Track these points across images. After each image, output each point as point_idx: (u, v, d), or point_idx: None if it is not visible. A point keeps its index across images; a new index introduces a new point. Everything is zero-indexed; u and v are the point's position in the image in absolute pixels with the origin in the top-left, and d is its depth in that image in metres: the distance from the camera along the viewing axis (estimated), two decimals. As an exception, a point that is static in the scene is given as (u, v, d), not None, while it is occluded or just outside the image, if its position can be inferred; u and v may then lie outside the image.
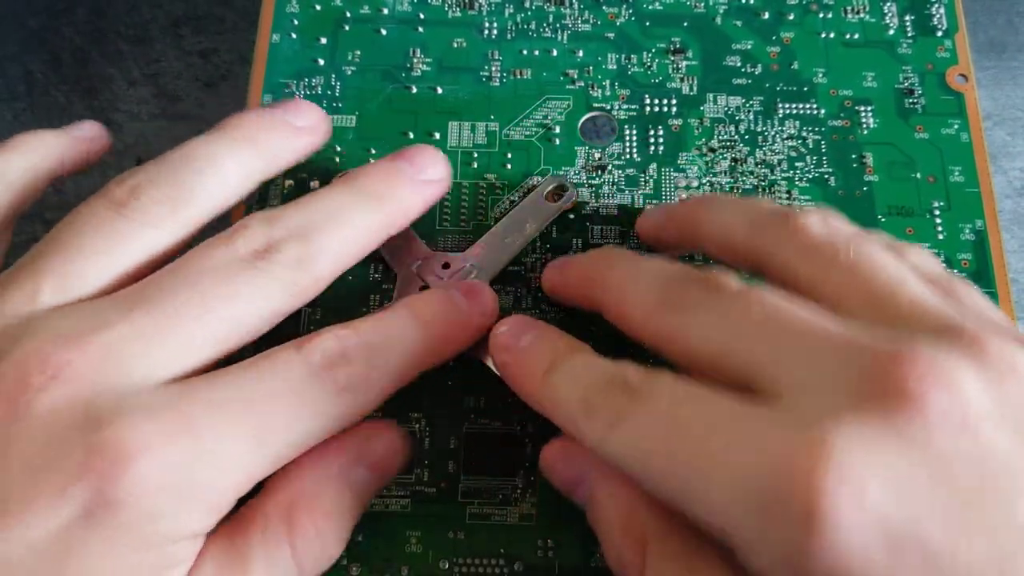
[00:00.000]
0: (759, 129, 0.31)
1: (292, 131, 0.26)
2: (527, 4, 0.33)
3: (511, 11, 0.33)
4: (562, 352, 0.23)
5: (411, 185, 0.26)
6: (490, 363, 0.25)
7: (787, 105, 0.31)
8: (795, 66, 0.32)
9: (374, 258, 0.29)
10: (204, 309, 0.21)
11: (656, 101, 0.31)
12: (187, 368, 0.21)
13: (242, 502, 0.21)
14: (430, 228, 0.29)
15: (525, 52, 0.32)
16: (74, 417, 0.19)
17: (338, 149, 0.30)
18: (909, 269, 0.21)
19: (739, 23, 0.33)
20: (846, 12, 0.33)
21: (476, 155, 0.30)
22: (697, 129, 0.31)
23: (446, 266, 0.28)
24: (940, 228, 0.29)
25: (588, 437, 0.21)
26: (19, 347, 0.19)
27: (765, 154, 0.30)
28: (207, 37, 0.34)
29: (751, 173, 0.30)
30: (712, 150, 0.31)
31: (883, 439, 0.17)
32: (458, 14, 0.33)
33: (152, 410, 0.19)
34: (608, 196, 0.30)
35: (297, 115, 0.27)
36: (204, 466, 0.19)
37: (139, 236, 0.22)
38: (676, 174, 0.30)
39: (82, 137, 0.27)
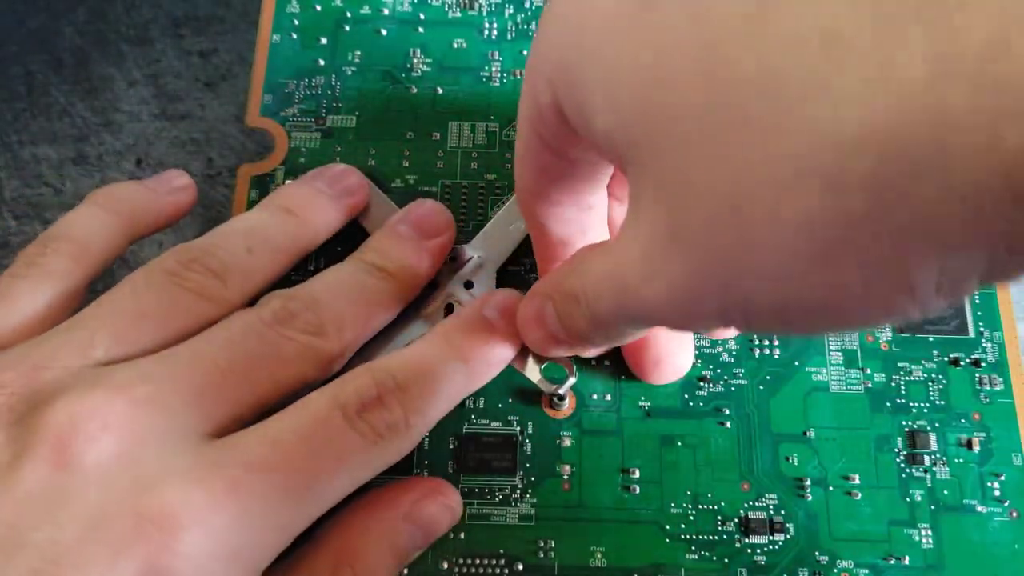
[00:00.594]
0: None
1: (334, 204, 0.27)
2: (527, 4, 0.33)
3: (511, 11, 0.33)
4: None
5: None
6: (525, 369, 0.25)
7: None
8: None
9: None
10: (249, 368, 0.22)
11: (656, 101, 0.31)
12: (230, 423, 0.21)
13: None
14: (430, 228, 0.29)
15: (525, 52, 0.32)
16: (123, 474, 0.19)
17: (338, 149, 0.30)
18: None
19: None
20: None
21: (476, 155, 0.30)
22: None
23: (452, 259, 0.28)
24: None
25: None
26: (70, 397, 0.20)
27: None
28: (207, 38, 0.34)
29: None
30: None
31: None
32: (458, 14, 0.33)
33: (198, 474, 0.19)
34: (608, 196, 0.30)
35: (335, 183, 0.28)
36: (248, 529, 0.19)
37: (194, 306, 0.23)
38: (676, 174, 0.30)
39: (168, 192, 0.27)
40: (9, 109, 0.33)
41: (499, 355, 0.24)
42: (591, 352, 0.26)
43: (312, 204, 0.27)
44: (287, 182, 0.29)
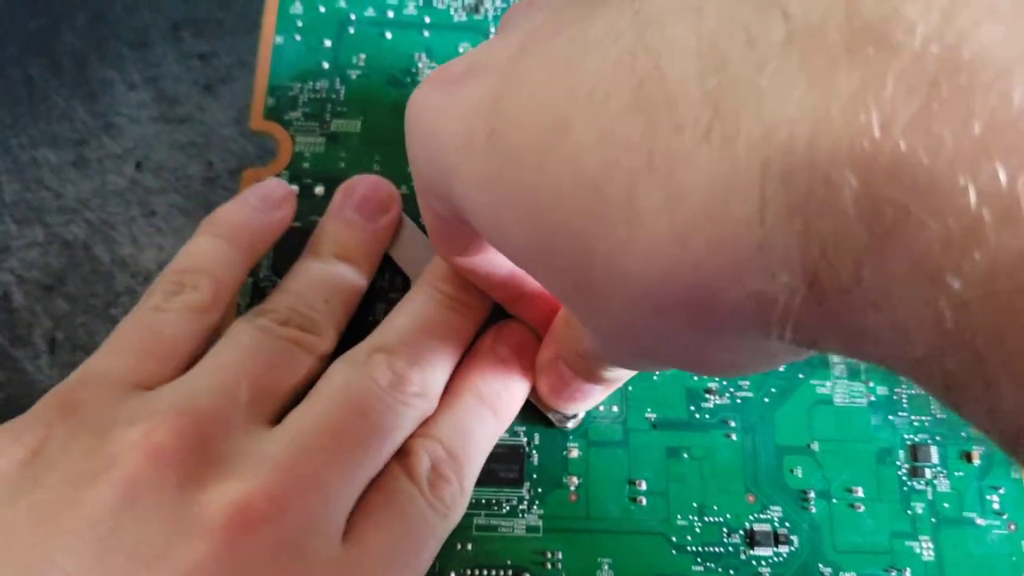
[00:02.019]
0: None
1: (373, 233, 0.28)
2: (532, 9, 0.33)
3: (516, 16, 0.32)
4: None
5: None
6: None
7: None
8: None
9: (382, 266, 0.29)
10: (382, 441, 0.23)
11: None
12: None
13: None
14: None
15: (530, 58, 0.32)
16: (291, 563, 0.20)
17: (343, 154, 0.30)
18: None
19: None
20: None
21: (481, 163, 0.30)
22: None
23: None
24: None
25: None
26: (241, 479, 0.20)
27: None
28: (207, 41, 0.34)
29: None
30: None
31: None
32: (464, 18, 0.32)
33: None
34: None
35: (366, 206, 0.28)
36: None
37: (298, 361, 0.24)
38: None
39: (275, 208, 0.28)
40: (9, 112, 0.33)
41: (520, 396, 0.26)
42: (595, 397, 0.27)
43: (357, 246, 0.27)
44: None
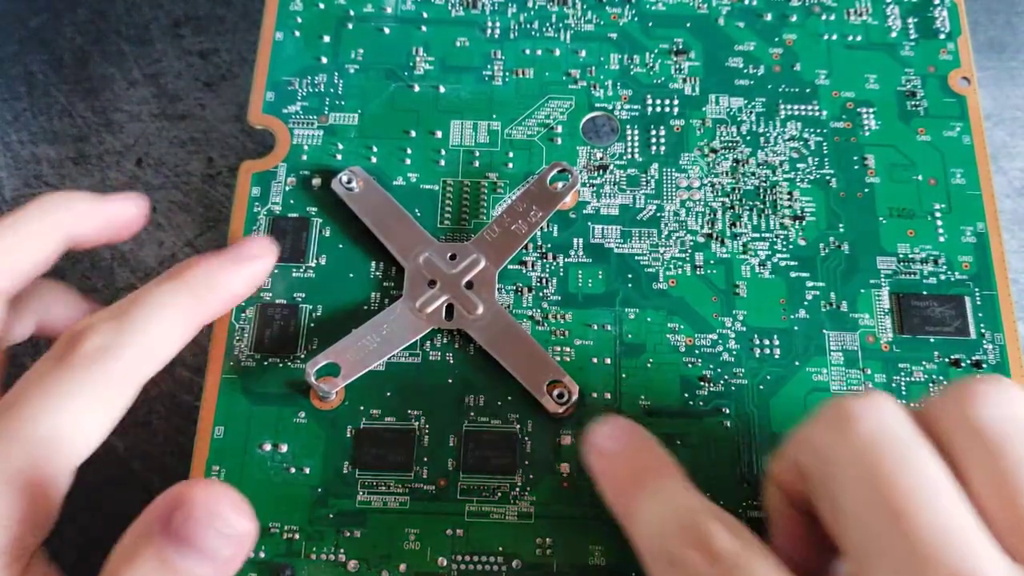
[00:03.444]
0: (761, 130, 0.31)
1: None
2: (530, 4, 0.33)
3: (514, 10, 0.33)
4: (652, 471, 0.23)
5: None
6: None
7: (789, 106, 0.31)
8: (797, 68, 0.32)
9: (374, 255, 0.29)
10: None
11: (658, 101, 0.31)
12: None
13: None
14: (431, 227, 0.29)
15: (528, 52, 0.32)
16: None
17: (340, 147, 0.30)
18: None
19: (741, 24, 0.33)
20: (849, 14, 0.33)
21: (478, 154, 0.30)
22: (699, 130, 0.31)
23: (452, 257, 0.28)
24: (941, 230, 0.29)
25: None
26: None
27: (767, 155, 0.30)
28: (207, 37, 0.34)
29: (752, 174, 0.30)
30: (714, 151, 0.30)
31: None
32: (461, 13, 0.33)
33: None
34: (609, 196, 0.30)
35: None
36: None
37: None
38: (677, 174, 0.30)
39: (116, 208, 0.26)
40: (9, 108, 0.33)
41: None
42: None
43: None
44: (288, 178, 0.29)
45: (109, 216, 0.26)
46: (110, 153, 0.33)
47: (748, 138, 0.31)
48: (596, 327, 0.28)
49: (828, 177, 0.30)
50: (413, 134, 0.31)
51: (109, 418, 0.22)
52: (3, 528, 0.19)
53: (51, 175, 0.33)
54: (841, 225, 0.29)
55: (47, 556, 0.21)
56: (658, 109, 0.31)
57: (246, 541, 0.19)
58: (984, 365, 0.27)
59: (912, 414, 0.20)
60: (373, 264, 0.29)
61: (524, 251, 0.29)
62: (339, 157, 0.30)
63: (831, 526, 0.19)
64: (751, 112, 0.31)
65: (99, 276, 0.31)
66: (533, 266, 0.29)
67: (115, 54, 0.34)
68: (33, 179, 0.33)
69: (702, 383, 0.27)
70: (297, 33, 0.32)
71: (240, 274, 0.26)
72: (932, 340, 0.28)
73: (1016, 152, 0.32)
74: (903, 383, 0.27)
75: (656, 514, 0.21)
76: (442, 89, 0.31)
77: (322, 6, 0.33)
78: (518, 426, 0.27)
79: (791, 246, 0.29)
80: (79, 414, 0.21)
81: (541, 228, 0.29)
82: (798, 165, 0.30)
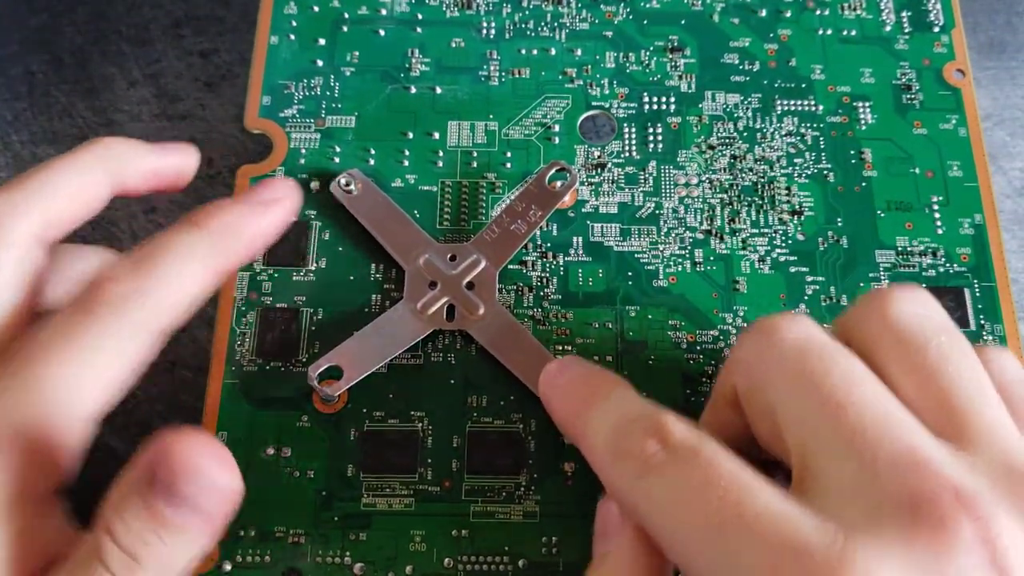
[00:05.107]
0: (758, 126, 0.31)
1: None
2: (525, 3, 0.33)
3: (509, 10, 0.33)
4: (601, 388, 0.23)
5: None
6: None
7: (785, 102, 0.31)
8: (793, 63, 0.32)
9: (374, 257, 0.29)
10: None
11: (655, 99, 0.31)
12: None
13: None
14: (430, 228, 0.29)
15: (523, 51, 0.32)
16: None
17: (337, 149, 0.30)
18: (989, 386, 0.20)
19: (736, 20, 0.33)
20: (843, 9, 0.33)
21: (476, 154, 0.31)
22: (696, 127, 0.31)
23: (452, 258, 0.28)
24: (939, 223, 0.29)
25: (614, 482, 0.21)
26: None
27: (764, 151, 0.30)
28: (207, 38, 0.34)
29: (750, 170, 0.30)
30: (711, 147, 0.31)
31: (906, 569, 0.17)
32: (456, 14, 0.33)
33: None
34: (608, 194, 0.30)
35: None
36: None
37: None
38: (675, 171, 0.30)
39: (166, 158, 0.25)
40: (10, 109, 0.33)
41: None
42: None
43: None
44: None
45: (158, 166, 0.25)
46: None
47: (745, 134, 0.31)
48: (597, 325, 0.28)
49: (825, 172, 0.30)
50: (410, 136, 0.31)
51: (127, 368, 0.21)
52: (9, 470, 0.19)
53: (51, 179, 0.33)
54: (839, 219, 0.29)
55: (65, 508, 0.21)
56: (655, 107, 0.31)
57: (230, 495, 0.19)
58: (982, 358, 0.27)
59: (829, 329, 0.21)
60: (373, 266, 0.29)
61: (524, 251, 0.29)
62: (337, 160, 0.30)
63: (773, 443, 0.21)
64: (747, 108, 0.31)
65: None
66: (533, 266, 0.29)
67: (115, 54, 0.34)
68: (33, 184, 0.33)
69: (704, 380, 0.27)
70: (292, 36, 0.32)
71: (263, 220, 0.24)
72: (930, 334, 0.28)
73: (1016, 152, 0.33)
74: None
75: (608, 419, 0.22)
76: (439, 90, 0.31)
77: (317, 9, 0.33)
78: (521, 426, 0.27)
79: (790, 241, 0.29)
80: (96, 362, 0.21)
81: (540, 227, 0.29)
82: (795, 160, 0.30)
